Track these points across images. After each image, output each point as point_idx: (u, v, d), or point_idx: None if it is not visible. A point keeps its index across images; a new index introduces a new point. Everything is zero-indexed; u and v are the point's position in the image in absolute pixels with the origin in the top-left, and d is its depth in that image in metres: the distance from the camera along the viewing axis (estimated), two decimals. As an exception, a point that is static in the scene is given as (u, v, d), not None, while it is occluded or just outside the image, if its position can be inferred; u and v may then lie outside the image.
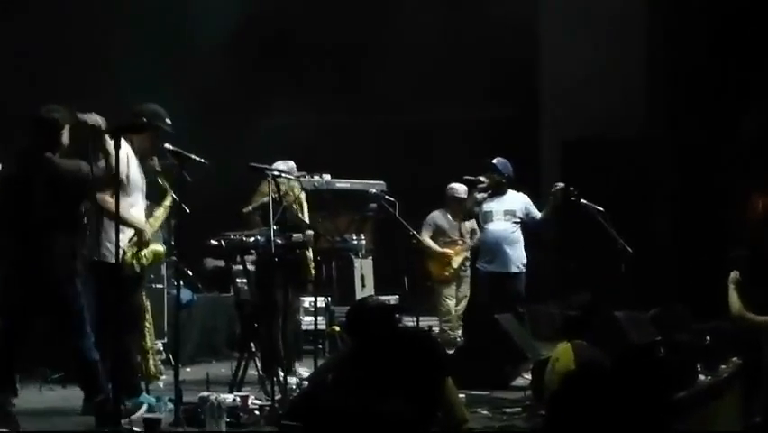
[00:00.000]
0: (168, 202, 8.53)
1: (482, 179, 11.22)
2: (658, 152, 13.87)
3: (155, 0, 13.04)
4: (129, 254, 8.00)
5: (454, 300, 12.18)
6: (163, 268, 10.98)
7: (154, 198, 8.72)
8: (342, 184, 12.23)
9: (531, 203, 11.25)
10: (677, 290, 12.01)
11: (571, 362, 7.61)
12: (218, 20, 13.04)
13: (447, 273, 12.14)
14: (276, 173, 9.12)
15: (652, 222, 13.42)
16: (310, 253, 10.08)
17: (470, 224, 12.17)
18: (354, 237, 12.10)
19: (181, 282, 8.79)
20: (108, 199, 7.66)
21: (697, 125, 13.43)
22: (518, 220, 11.19)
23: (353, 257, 12.40)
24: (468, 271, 12.22)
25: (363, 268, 12.27)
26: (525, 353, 9.75)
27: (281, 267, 9.43)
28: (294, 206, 10.10)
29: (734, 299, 11.20)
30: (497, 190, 11.19)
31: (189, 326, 11.08)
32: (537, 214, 11.19)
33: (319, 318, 10.22)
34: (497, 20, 13.88)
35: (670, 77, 13.87)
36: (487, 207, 11.23)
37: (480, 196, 11.25)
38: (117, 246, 7.22)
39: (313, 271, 10.15)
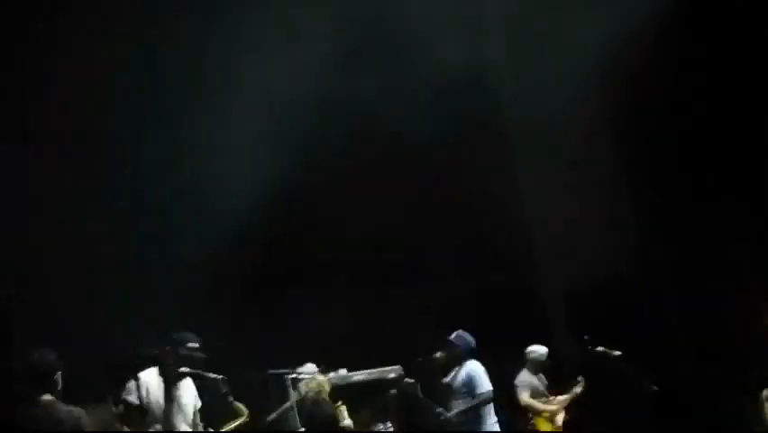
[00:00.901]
0: (237, 422, 8.50)
1: (438, 355, 11.24)
2: (660, 286, 13.97)
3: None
4: None
5: None
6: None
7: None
8: (360, 376, 12.13)
9: (477, 376, 11.20)
10: (707, 418, 11.93)
11: None
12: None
13: (554, 430, 12.15)
14: (294, 376, 9.22)
15: (668, 356, 13.40)
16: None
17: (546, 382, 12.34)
18: (381, 426, 12.04)
19: None
20: None
21: (690, 251, 13.58)
22: (467, 395, 11.20)
23: (381, 444, 12.31)
24: None
25: (395, 454, 12.12)
26: None
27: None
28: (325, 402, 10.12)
29: (769, 414, 11.20)
30: (456, 365, 11.24)
31: None
32: (478, 389, 11.16)
33: None
34: (477, 192, 14.10)
35: (653, 209, 14.09)
36: (449, 385, 11.29)
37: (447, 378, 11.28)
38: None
39: None
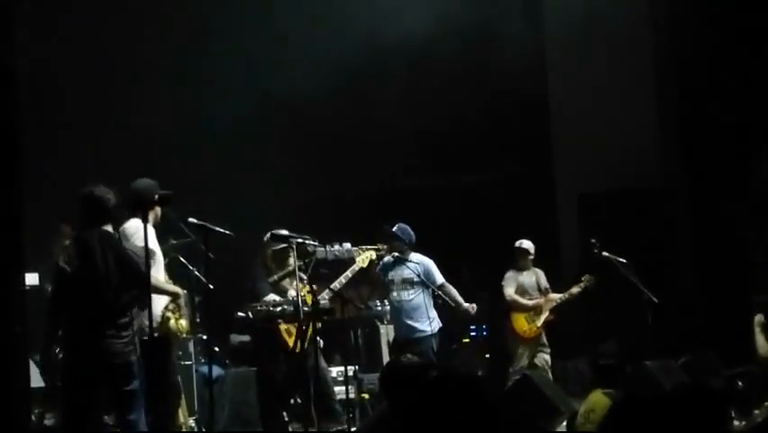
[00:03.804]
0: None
1: (379, 246, 11.14)
2: (675, 199, 13.90)
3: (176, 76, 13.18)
4: (173, 320, 8.01)
5: (528, 358, 12.12)
6: (191, 345, 10.99)
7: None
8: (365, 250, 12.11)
9: (432, 267, 11.11)
10: (704, 337, 11.97)
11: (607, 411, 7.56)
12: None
13: (532, 331, 12.16)
14: (300, 241, 9.22)
15: (674, 270, 13.39)
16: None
17: (544, 282, 12.32)
18: (378, 304, 12.11)
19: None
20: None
21: (712, 171, 13.49)
22: (417, 287, 11.03)
23: (379, 324, 12.42)
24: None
25: (389, 334, 12.22)
26: (559, 406, 9.70)
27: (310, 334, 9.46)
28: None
29: (761, 341, 11.25)
30: (398, 257, 11.07)
31: (220, 401, 11.05)
32: (438, 279, 11.06)
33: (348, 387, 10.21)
34: (505, 78, 13.95)
35: (682, 123, 13.96)
36: (389, 275, 11.19)
37: (386, 259, 11.13)
38: (150, 319, 7.25)
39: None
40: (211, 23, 13.51)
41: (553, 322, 12.20)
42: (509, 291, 12.22)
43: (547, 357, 12.17)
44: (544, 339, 12.22)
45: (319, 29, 13.24)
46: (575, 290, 12.12)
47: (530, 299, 12.24)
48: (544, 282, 12.34)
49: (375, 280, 11.51)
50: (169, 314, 7.99)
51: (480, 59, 13.94)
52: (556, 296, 12.21)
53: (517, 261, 12.33)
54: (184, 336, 8.22)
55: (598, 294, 12.15)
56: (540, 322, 12.14)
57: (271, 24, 13.46)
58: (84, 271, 7.54)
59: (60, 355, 7.94)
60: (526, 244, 12.29)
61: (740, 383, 10.48)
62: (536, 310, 12.16)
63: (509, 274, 12.32)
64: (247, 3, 13.49)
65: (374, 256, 10.70)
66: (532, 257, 12.30)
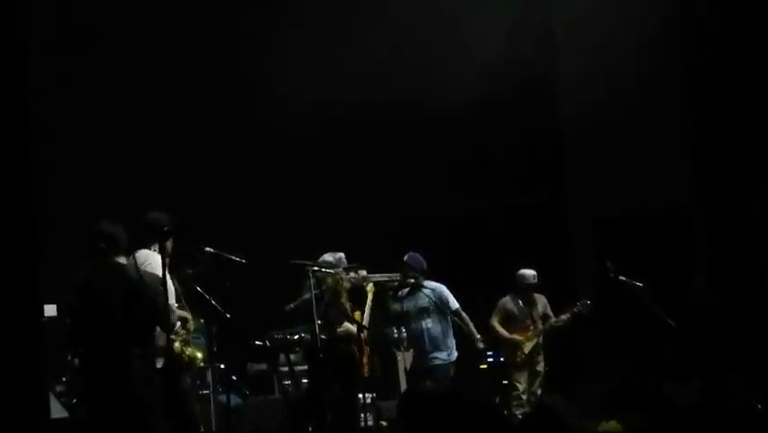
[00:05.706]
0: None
1: (393, 276, 11.21)
2: (690, 221, 13.89)
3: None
4: (177, 342, 8.05)
5: (525, 385, 12.13)
6: (209, 374, 10.99)
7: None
8: (380, 278, 12.15)
9: (446, 293, 11.23)
10: (723, 360, 11.93)
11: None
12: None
13: (518, 359, 12.15)
14: (315, 268, 9.25)
15: (691, 292, 13.36)
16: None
17: (542, 308, 12.27)
18: (395, 330, 12.11)
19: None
20: None
21: (727, 192, 13.47)
22: (434, 314, 11.14)
23: (396, 351, 12.39)
24: (542, 355, 12.20)
25: (407, 361, 12.21)
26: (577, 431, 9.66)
27: (328, 362, 9.48)
28: (342, 298, 10.18)
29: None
30: (413, 286, 11.17)
31: (238, 430, 11.04)
32: (453, 305, 11.19)
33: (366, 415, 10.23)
34: (518, 105, 13.98)
35: (697, 146, 13.96)
36: (405, 306, 11.31)
37: (400, 293, 11.28)
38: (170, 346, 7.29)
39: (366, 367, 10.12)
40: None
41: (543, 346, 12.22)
42: (493, 320, 12.26)
43: (534, 387, 12.16)
44: (539, 368, 12.20)
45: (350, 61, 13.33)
46: (563, 317, 12.13)
47: (519, 327, 12.22)
48: (541, 310, 12.28)
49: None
50: (173, 336, 8.02)
51: (496, 85, 13.98)
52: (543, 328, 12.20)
53: (517, 288, 12.33)
54: (186, 358, 8.20)
55: (615, 318, 12.14)
56: (527, 350, 12.13)
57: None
58: (92, 306, 7.58)
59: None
60: (526, 272, 12.28)
61: (759, 406, 10.44)
62: (517, 341, 12.16)
63: (502, 300, 12.34)
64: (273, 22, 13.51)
65: (372, 287, 10.76)
66: (532, 284, 12.25)
